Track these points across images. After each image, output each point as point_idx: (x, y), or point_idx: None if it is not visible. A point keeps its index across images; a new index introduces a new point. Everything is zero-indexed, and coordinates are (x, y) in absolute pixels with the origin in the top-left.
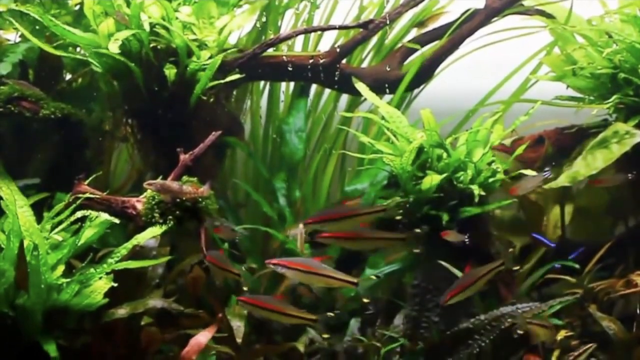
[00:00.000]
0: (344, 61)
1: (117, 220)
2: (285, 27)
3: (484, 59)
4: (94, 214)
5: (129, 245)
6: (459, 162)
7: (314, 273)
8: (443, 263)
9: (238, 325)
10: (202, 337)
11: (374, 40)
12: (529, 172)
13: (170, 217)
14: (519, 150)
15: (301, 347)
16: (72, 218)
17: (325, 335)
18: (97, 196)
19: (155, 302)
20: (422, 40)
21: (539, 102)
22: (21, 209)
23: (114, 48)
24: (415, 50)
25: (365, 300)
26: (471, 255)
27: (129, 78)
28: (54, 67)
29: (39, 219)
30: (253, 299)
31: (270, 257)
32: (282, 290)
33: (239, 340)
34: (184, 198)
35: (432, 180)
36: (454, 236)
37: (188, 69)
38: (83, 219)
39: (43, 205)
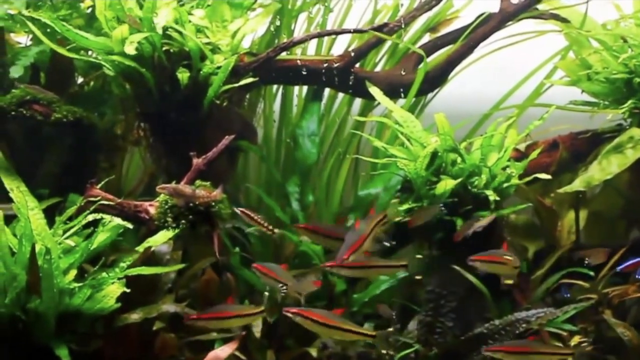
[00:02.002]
0: (357, 65)
1: (130, 225)
2: (299, 30)
3: (498, 63)
4: (107, 218)
5: (140, 249)
6: (474, 167)
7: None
8: (457, 268)
9: (257, 323)
10: (222, 352)
11: (388, 44)
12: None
13: (183, 221)
14: (533, 154)
15: (314, 352)
16: (84, 222)
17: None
18: (110, 200)
19: (169, 306)
20: (438, 44)
21: (553, 106)
22: (32, 211)
23: (130, 50)
24: (432, 52)
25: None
26: None
27: (142, 81)
28: (66, 70)
29: (51, 221)
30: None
31: (282, 261)
32: None
33: (257, 336)
34: (197, 202)
35: (446, 185)
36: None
37: (201, 72)
38: (95, 223)
39: (55, 209)
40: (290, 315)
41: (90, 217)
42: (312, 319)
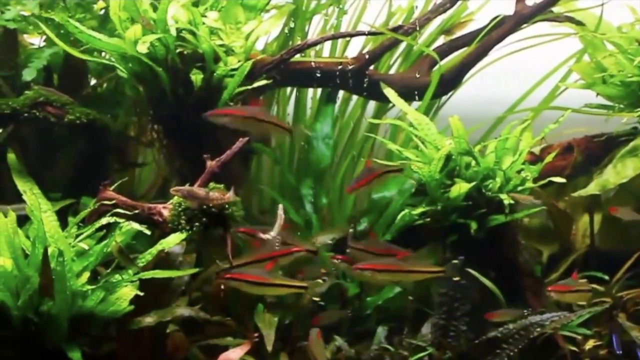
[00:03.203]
0: (371, 67)
1: (147, 232)
2: (313, 32)
3: (512, 65)
4: (124, 224)
5: (153, 250)
6: (488, 170)
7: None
8: (471, 271)
9: (268, 333)
10: (234, 354)
11: (402, 46)
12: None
13: (197, 223)
14: (548, 158)
15: (328, 355)
16: (98, 225)
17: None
18: (123, 202)
19: (183, 310)
20: (452, 46)
21: (568, 110)
22: (45, 214)
23: (142, 49)
24: (447, 55)
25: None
26: (499, 264)
27: (155, 83)
28: (79, 72)
29: (64, 223)
30: (240, 274)
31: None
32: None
33: (269, 348)
34: (210, 205)
35: (460, 188)
36: None
37: (215, 74)
38: (108, 225)
39: (67, 210)
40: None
41: (105, 221)
42: (246, 280)
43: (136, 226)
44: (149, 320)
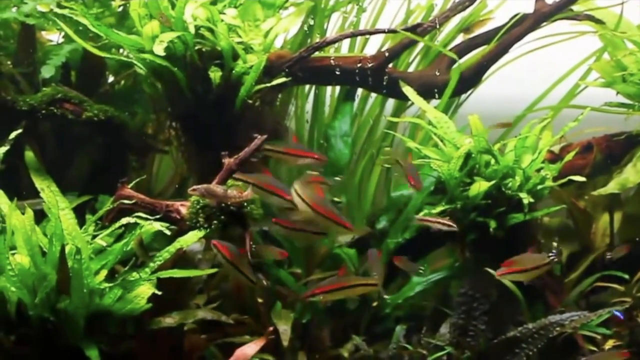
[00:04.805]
0: (390, 65)
1: (168, 232)
2: (332, 30)
3: (532, 64)
4: (147, 223)
5: (171, 248)
6: (508, 169)
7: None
8: (490, 271)
9: (284, 329)
10: (249, 349)
11: (421, 44)
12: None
13: (215, 221)
14: (568, 157)
15: (346, 354)
16: (118, 224)
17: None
18: (141, 200)
19: (205, 313)
20: (471, 45)
21: (588, 108)
22: (63, 211)
23: (159, 50)
24: (466, 53)
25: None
26: None
27: (173, 80)
28: (97, 69)
29: (81, 221)
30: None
31: (315, 263)
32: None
33: (285, 344)
34: (228, 203)
35: (480, 186)
36: (406, 265)
37: (233, 72)
38: (127, 223)
39: (84, 208)
40: None
41: (125, 220)
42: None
43: (157, 226)
44: (169, 321)
